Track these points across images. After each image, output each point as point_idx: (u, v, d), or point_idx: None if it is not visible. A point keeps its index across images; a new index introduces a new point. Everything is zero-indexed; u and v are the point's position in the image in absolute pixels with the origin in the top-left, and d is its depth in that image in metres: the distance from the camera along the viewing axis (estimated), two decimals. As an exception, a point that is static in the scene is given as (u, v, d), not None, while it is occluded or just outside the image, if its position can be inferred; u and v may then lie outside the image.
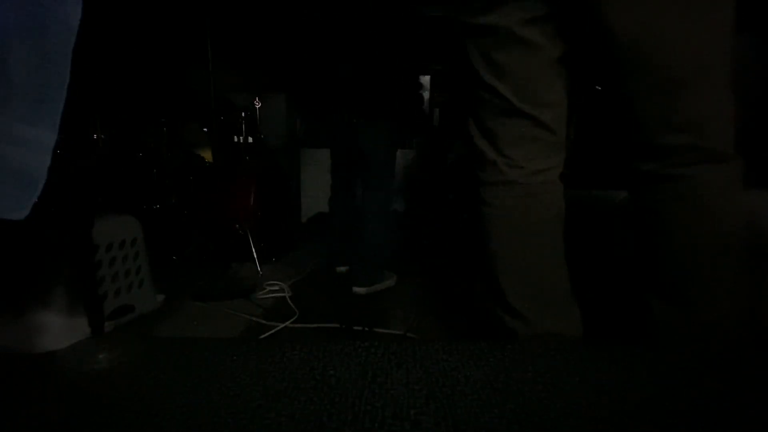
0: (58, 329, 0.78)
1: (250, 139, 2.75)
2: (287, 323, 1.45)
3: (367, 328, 1.40)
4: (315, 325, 1.46)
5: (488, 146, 0.89)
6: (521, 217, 0.88)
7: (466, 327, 1.48)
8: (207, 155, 2.78)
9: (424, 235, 3.16)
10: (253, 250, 2.17)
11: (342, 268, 2.12)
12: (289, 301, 1.68)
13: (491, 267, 0.92)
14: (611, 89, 0.81)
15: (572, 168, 0.95)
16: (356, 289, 1.88)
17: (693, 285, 0.79)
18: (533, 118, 0.85)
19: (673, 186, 0.77)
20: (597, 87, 1.57)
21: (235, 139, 2.74)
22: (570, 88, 0.88)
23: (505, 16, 0.79)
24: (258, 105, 2.87)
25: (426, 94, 4.49)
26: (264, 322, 1.47)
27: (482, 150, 0.90)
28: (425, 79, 4.52)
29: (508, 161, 0.88)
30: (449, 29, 0.93)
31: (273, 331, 1.40)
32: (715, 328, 0.78)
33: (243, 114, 2.70)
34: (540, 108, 0.85)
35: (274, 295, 1.78)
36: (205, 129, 2.86)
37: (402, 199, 3.87)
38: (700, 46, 0.70)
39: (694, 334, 0.79)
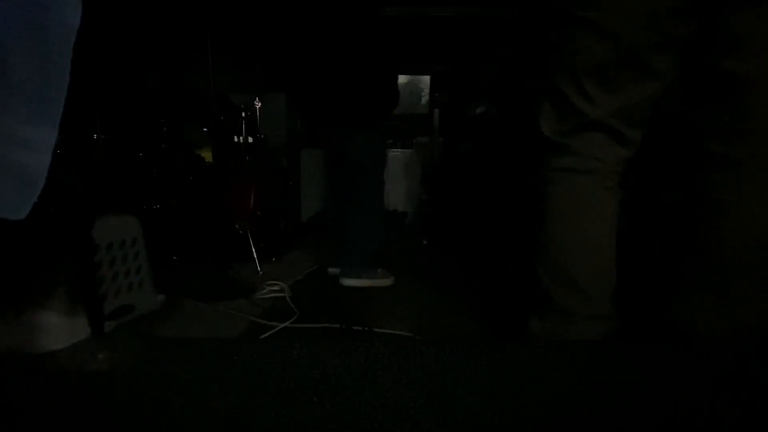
0: (58, 329, 0.77)
1: (250, 139, 2.75)
2: (287, 323, 1.45)
3: (367, 328, 1.40)
4: (315, 325, 1.45)
5: (568, 140, 0.90)
6: (595, 203, 0.90)
7: (494, 319, 1.48)
8: (207, 155, 2.78)
9: (425, 235, 3.16)
10: (253, 250, 2.17)
11: (334, 270, 2.10)
12: (289, 301, 1.68)
13: (554, 245, 0.92)
14: (707, 69, 0.79)
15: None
16: (344, 281, 1.93)
17: (738, 278, 0.79)
18: (621, 134, 0.86)
19: (739, 171, 0.77)
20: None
21: (235, 139, 2.74)
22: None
23: (647, 34, 0.77)
24: (258, 105, 2.87)
25: (426, 97, 4.50)
26: (264, 322, 1.47)
27: (566, 143, 0.90)
28: (425, 79, 4.53)
29: (593, 155, 0.88)
30: (560, 21, 0.88)
31: (273, 331, 1.40)
32: (752, 321, 0.79)
33: (243, 114, 2.69)
34: (631, 127, 0.86)
35: (274, 295, 1.78)
36: (205, 129, 2.86)
37: (403, 199, 3.87)
38: None
39: (729, 324, 0.80)
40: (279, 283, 1.87)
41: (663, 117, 0.91)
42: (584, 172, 0.89)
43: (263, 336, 1.36)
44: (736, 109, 0.77)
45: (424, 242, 3.05)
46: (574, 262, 0.89)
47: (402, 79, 4.46)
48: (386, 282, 1.96)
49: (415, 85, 4.54)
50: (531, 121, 0.97)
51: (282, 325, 1.43)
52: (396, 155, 3.82)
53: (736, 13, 0.73)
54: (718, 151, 0.80)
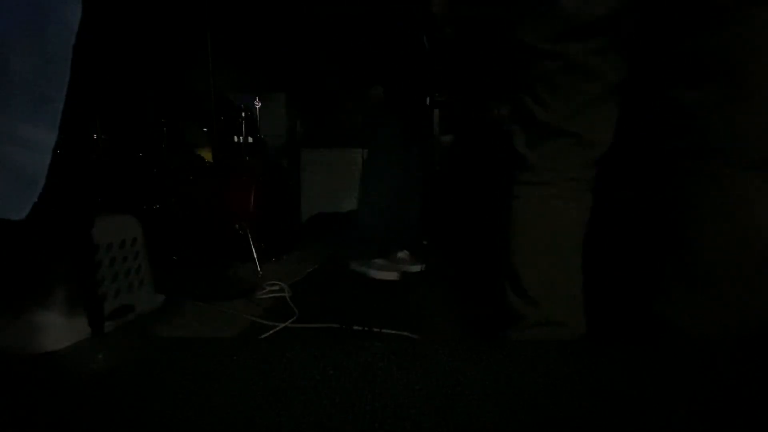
0: (58, 329, 0.78)
1: (250, 139, 2.75)
2: (287, 323, 1.45)
3: (367, 328, 1.40)
4: (315, 325, 1.45)
5: (530, 152, 0.94)
6: (550, 214, 0.94)
7: (472, 320, 1.48)
8: (207, 155, 2.78)
9: (424, 235, 3.16)
10: (253, 250, 2.17)
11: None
12: (289, 301, 1.68)
13: (513, 255, 0.96)
14: (667, 97, 0.82)
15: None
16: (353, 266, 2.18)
17: (721, 277, 0.80)
18: (579, 136, 0.89)
19: (717, 184, 0.79)
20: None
21: (235, 139, 2.74)
22: (619, 107, 0.90)
23: (579, 44, 0.82)
24: (258, 105, 2.87)
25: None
26: (264, 322, 1.47)
27: (523, 154, 0.95)
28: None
29: (547, 166, 0.93)
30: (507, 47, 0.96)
31: (273, 331, 1.39)
32: (735, 318, 0.80)
33: (243, 114, 2.69)
34: (588, 129, 0.89)
35: (274, 295, 1.78)
36: (205, 129, 2.86)
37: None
38: None
39: (713, 321, 0.81)
40: (279, 283, 1.87)
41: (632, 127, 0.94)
42: (539, 184, 0.94)
43: (263, 336, 1.36)
44: (698, 134, 0.80)
45: (424, 242, 3.05)
46: (526, 271, 0.94)
47: (402, 79, 4.45)
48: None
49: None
50: (503, 136, 1.01)
51: (282, 325, 1.43)
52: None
53: (706, 35, 0.74)
54: (690, 167, 0.83)
